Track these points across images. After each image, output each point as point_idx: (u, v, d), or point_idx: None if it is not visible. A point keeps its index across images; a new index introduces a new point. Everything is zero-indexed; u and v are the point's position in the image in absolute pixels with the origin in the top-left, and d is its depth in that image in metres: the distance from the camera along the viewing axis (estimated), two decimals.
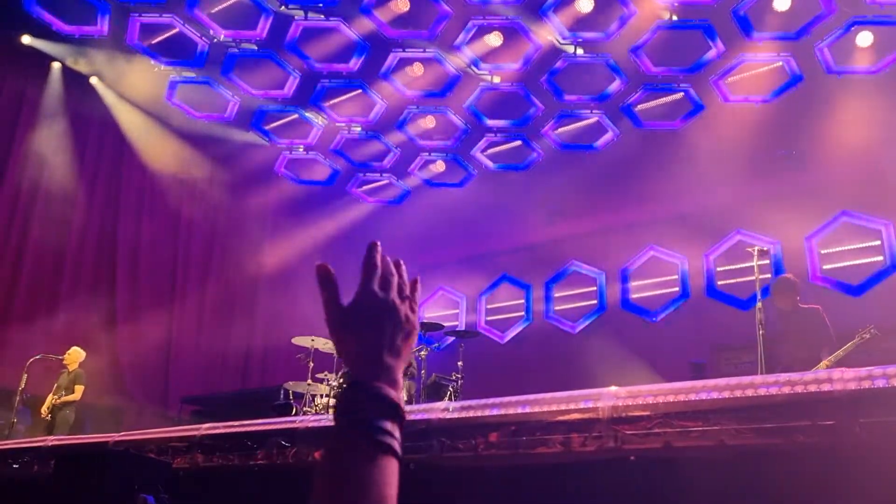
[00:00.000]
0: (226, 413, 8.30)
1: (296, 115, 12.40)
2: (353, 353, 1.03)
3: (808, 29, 9.49)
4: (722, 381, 3.62)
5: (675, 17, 9.78)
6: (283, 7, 10.39)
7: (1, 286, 10.84)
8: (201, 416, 10.26)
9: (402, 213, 13.91)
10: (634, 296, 12.24)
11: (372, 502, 0.91)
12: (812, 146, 10.59)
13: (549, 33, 10.32)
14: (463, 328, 12.49)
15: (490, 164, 12.84)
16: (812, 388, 3.36)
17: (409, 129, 12.30)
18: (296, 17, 10.44)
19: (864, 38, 9.49)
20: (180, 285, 13.01)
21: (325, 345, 8.63)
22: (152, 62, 11.23)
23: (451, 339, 10.21)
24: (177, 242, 13.18)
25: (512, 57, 10.79)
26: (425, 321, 9.67)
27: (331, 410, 7.80)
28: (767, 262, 9.39)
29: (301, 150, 13.03)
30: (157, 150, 12.56)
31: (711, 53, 10.04)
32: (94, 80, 11.87)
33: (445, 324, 10.42)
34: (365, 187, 14.17)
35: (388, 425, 0.96)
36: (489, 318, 13.84)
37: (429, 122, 12.33)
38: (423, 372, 8.71)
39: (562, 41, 10.42)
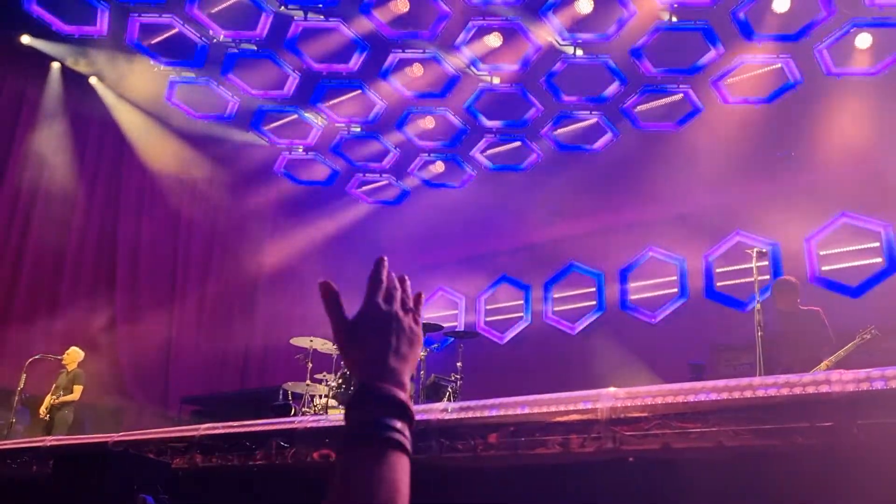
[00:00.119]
0: (225, 413, 8.31)
1: (295, 116, 12.41)
2: (359, 359, 1.05)
3: (807, 30, 9.49)
4: (721, 383, 3.62)
5: (674, 19, 9.77)
6: (282, 7, 10.39)
7: (1, 286, 10.84)
8: (201, 417, 10.26)
9: (401, 214, 13.91)
10: (634, 296, 12.24)
11: (384, 498, 0.92)
12: (811, 148, 10.59)
13: (548, 34, 10.32)
14: (462, 329, 12.49)
15: (489, 164, 12.85)
16: (810, 389, 3.37)
17: (408, 129, 12.31)
18: (295, 18, 10.44)
19: (863, 39, 9.51)
20: (180, 285, 13.01)
21: (323, 345, 8.64)
22: (152, 62, 11.24)
23: (451, 339, 10.21)
24: (177, 242, 13.19)
25: (511, 58, 10.80)
26: (424, 322, 9.63)
27: (329, 411, 7.83)
28: (766, 263, 9.43)
29: (300, 150, 13.04)
30: (156, 150, 12.57)
31: (711, 55, 10.04)
32: (93, 81, 11.88)
33: (445, 324, 10.39)
34: (364, 188, 14.18)
35: (398, 424, 0.98)
36: (488, 319, 13.83)
37: (428, 123, 12.33)
38: (422, 372, 8.70)
39: (561, 42, 10.42)
